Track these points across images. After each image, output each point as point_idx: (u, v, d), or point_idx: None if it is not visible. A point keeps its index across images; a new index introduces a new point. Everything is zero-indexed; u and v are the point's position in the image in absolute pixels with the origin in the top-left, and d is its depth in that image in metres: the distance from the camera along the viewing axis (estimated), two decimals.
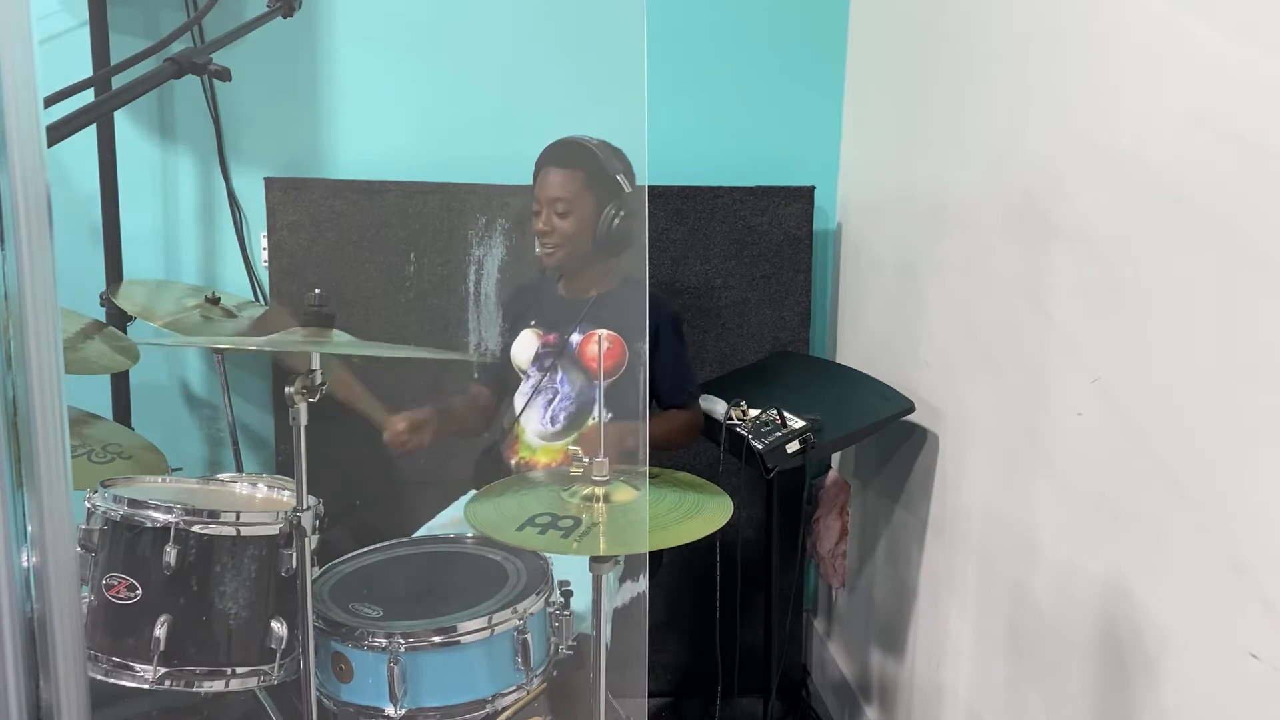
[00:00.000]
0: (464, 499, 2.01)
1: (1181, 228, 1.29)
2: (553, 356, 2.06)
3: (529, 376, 2.08)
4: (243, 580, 1.56)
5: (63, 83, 1.34)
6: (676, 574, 2.62)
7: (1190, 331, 1.27)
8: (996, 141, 1.81)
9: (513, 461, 2.07)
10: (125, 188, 2.42)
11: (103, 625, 1.54)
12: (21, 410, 0.72)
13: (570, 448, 1.57)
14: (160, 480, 1.80)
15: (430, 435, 1.97)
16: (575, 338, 2.05)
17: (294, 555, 1.49)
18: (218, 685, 1.55)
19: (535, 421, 2.06)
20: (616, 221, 1.99)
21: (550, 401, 2.06)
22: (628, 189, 1.99)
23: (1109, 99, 1.45)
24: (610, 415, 1.98)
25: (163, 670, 1.51)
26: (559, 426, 2.04)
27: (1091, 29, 1.49)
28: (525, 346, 2.10)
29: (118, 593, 1.53)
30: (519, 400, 2.09)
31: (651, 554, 2.10)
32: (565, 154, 2.00)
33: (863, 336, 2.55)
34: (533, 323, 2.12)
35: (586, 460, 1.55)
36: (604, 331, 2.03)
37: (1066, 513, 1.57)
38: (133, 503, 1.56)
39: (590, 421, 2.01)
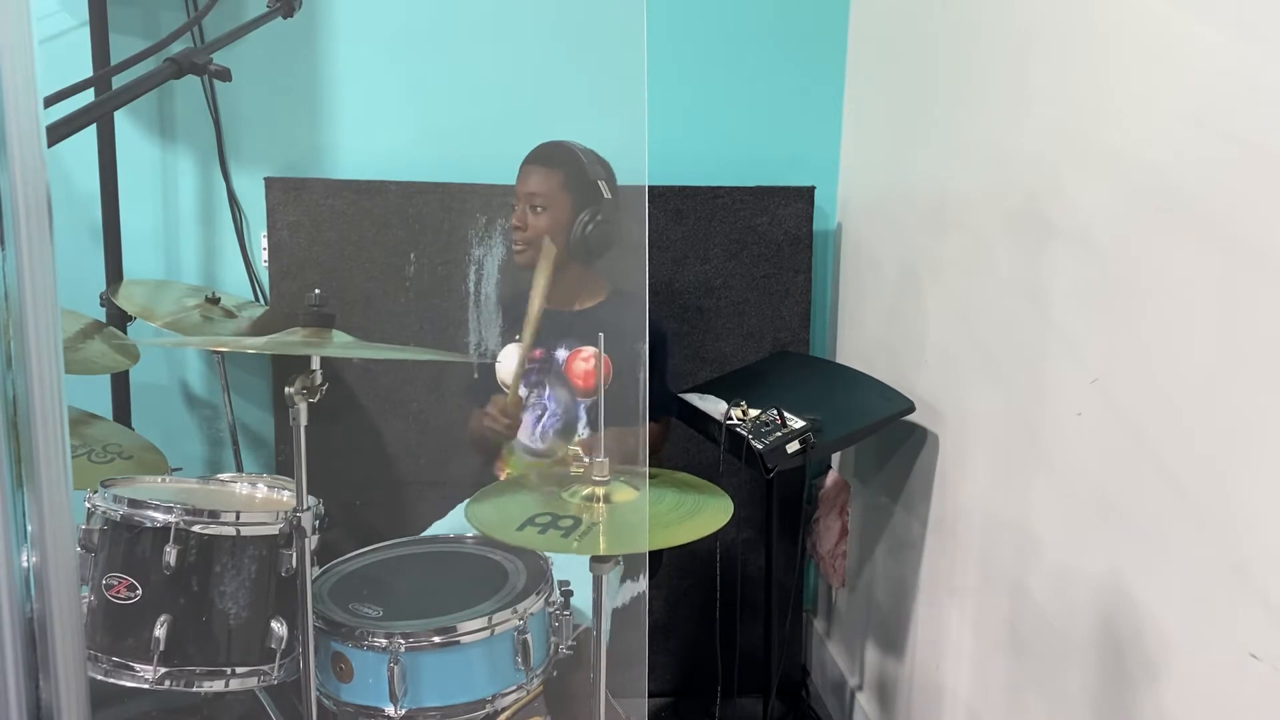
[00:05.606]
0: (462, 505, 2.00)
1: (1181, 228, 1.29)
2: (539, 372, 2.05)
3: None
4: (243, 580, 1.56)
5: (63, 83, 1.34)
6: (676, 574, 2.62)
7: (1190, 331, 1.27)
8: (996, 141, 1.81)
9: (501, 478, 2.05)
10: (125, 188, 2.42)
11: (103, 625, 1.54)
12: (21, 410, 0.71)
13: (571, 448, 1.58)
14: (160, 480, 1.80)
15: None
16: (561, 354, 2.04)
17: (294, 555, 1.49)
18: (218, 685, 1.55)
19: (524, 438, 2.05)
20: (590, 227, 1.98)
21: (539, 418, 2.05)
22: (607, 195, 1.99)
23: (1109, 99, 1.45)
24: (589, 430, 1.97)
25: (163, 670, 1.51)
26: (548, 444, 2.03)
27: (1091, 29, 1.49)
28: (510, 361, 2.08)
29: (118, 593, 1.53)
30: None
31: (652, 554, 2.10)
32: (548, 154, 2.02)
33: (863, 336, 2.55)
34: (517, 337, 2.10)
35: (587, 460, 1.55)
36: (590, 349, 2.00)
37: (1066, 513, 1.57)
38: (133, 503, 1.56)
39: (578, 437, 2.01)
